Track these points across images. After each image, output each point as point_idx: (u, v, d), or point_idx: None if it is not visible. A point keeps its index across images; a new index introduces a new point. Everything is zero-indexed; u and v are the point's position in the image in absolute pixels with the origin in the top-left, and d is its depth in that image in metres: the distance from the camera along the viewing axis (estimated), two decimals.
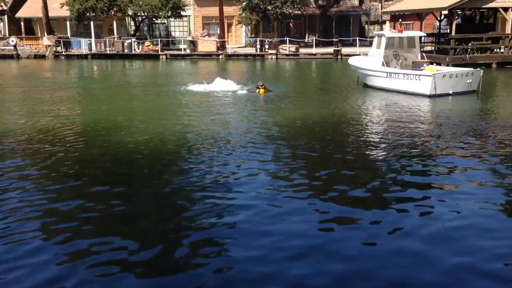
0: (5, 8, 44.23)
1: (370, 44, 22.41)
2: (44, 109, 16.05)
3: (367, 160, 9.85)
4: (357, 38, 41.71)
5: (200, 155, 10.09)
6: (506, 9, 28.53)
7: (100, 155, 10.22)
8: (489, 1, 28.02)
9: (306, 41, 46.97)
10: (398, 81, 19.31)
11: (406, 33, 21.38)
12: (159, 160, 9.90)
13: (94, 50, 40.27)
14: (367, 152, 10.42)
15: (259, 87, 19.23)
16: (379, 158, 10.02)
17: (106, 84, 24.22)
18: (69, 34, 43.67)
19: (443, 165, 9.42)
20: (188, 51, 40.38)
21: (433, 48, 32.53)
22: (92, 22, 42.40)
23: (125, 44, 39.77)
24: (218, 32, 42.85)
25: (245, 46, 46.55)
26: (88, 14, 40.55)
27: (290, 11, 42.88)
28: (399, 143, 11.04)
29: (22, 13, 45.37)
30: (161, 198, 7.70)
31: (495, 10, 30.08)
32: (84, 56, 39.57)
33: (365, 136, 11.90)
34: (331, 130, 12.69)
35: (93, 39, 41.70)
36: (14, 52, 39.71)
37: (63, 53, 40.14)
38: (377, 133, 12.39)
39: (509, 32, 28.72)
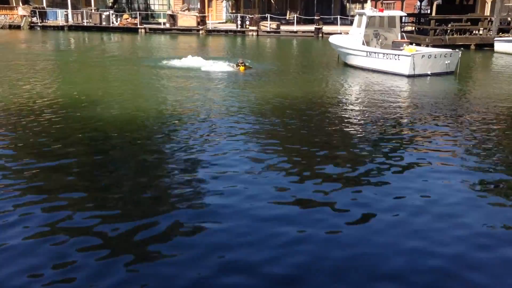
0: None
1: (351, 23, 22.39)
2: (19, 82, 15.66)
3: (345, 140, 9.92)
4: (338, 17, 41.59)
5: (177, 131, 10.03)
6: None
7: (77, 129, 10.06)
8: None
9: (287, 18, 46.64)
10: (378, 61, 19.39)
11: (387, 13, 21.38)
12: (137, 135, 9.79)
13: (70, 21, 39.32)
14: (345, 131, 10.49)
15: (239, 64, 19.08)
16: (357, 137, 10.09)
17: (83, 57, 23.72)
18: (45, 5, 42.42)
19: (420, 145, 9.56)
20: (167, 26, 39.76)
21: (413, 28, 32.66)
22: None
23: (103, 16, 38.94)
24: (199, 6, 42.27)
25: (226, 22, 46.05)
26: None
27: None
28: (377, 123, 11.14)
29: None
30: (139, 171, 7.65)
31: None
32: (60, 28, 38.63)
33: (343, 116, 11.96)
34: (310, 109, 12.71)
35: (69, 10, 40.65)
36: None
37: (39, 24, 39.11)
38: (355, 113, 12.47)
39: (488, 14, 28.99)
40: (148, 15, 44.85)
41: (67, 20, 39.09)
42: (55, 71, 18.73)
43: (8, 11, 40.62)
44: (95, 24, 38.78)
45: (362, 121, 11.37)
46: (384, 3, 45.61)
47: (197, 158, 8.27)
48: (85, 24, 38.88)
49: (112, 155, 8.51)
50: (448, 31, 28.26)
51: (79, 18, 39.27)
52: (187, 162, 8.10)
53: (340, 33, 26.08)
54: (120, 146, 9.06)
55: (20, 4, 40.49)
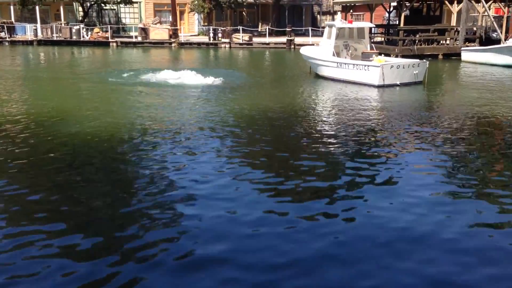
0: None
1: (322, 34, 22.68)
2: None
3: (317, 151, 9.99)
4: (310, 28, 42.09)
5: (151, 147, 9.94)
6: (451, 2, 29.49)
7: (48, 147, 9.88)
8: None
9: (259, 30, 46.97)
10: (348, 71, 19.66)
11: (356, 24, 21.74)
12: (109, 149, 9.67)
13: (40, 36, 38.77)
14: (318, 144, 10.56)
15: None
16: (329, 149, 10.18)
17: (53, 72, 23.37)
18: (13, 19, 41.75)
19: (389, 154, 9.70)
20: (139, 39, 39.57)
21: (383, 39, 33.26)
22: (37, 7, 40.66)
23: (73, 30, 38.52)
24: (170, 19, 42.16)
25: (198, 35, 46.05)
26: None
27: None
28: (348, 133, 11.27)
29: None
30: (114, 187, 7.54)
31: (441, 2, 31.03)
32: (29, 42, 38.04)
33: (315, 127, 12.06)
34: (283, 121, 12.76)
35: (38, 25, 40.08)
36: None
37: (7, 39, 38.41)
38: (327, 124, 12.59)
39: (454, 24, 29.75)
40: (119, 29, 44.55)
41: (36, 35, 38.54)
42: (25, 88, 18.36)
43: None
44: (65, 38, 38.32)
45: (333, 132, 11.48)
46: (353, 14, 46.34)
47: (171, 176, 8.20)
48: (55, 38, 38.39)
49: (83, 172, 8.37)
50: (416, 41, 28.88)
51: (49, 32, 38.76)
52: (162, 180, 8.01)
53: (312, 45, 26.38)
54: (92, 163, 8.92)
55: None
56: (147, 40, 39.32)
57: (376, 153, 9.76)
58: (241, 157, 9.26)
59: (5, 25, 39.07)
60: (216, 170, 8.44)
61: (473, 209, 6.98)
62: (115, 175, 8.28)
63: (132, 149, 9.83)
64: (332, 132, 11.46)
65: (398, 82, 18.64)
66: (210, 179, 7.97)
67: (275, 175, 8.33)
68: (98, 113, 13.31)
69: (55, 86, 18.61)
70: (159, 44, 38.95)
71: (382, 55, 20.88)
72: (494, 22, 29.46)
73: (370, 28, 24.46)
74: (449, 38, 29.57)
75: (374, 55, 19.91)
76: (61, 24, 39.42)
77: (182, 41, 39.70)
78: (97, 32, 39.61)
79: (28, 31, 39.72)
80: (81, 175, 8.23)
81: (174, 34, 39.61)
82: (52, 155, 9.32)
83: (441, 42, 29.64)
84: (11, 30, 39.53)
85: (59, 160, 9.03)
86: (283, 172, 8.53)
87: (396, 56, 26.89)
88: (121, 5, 43.44)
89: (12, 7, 41.62)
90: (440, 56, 28.87)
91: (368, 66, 18.88)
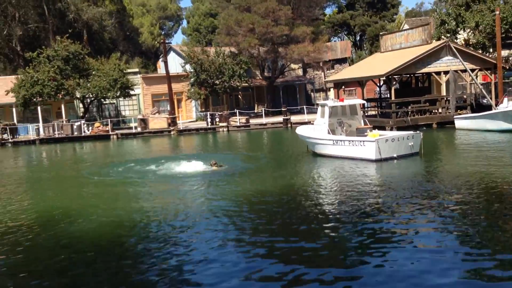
0: None
1: (317, 112, 23.32)
2: None
3: (324, 230, 9.93)
4: (305, 106, 43.17)
5: (157, 239, 9.90)
6: (438, 73, 30.52)
7: (55, 245, 9.84)
8: (422, 67, 29.98)
9: (255, 111, 48.20)
10: (345, 148, 19.94)
11: (347, 102, 22.35)
12: (115, 246, 9.62)
13: (42, 135, 39.68)
14: (322, 223, 10.52)
15: (212, 165, 19.32)
16: (334, 229, 10.12)
17: (55, 171, 23.65)
18: (15, 121, 42.92)
19: (393, 226, 9.65)
20: (139, 129, 40.46)
21: (376, 112, 34.02)
22: (39, 107, 42.00)
23: (74, 126, 39.47)
24: (168, 108, 43.35)
25: (196, 120, 47.18)
26: (34, 99, 40.25)
27: (238, 84, 44.22)
28: (351, 211, 11.25)
29: None
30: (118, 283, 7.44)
31: (429, 74, 32.10)
32: (32, 142, 38.81)
33: (319, 209, 12.04)
34: (286, 204, 12.76)
35: (40, 124, 41.16)
36: None
37: (10, 140, 39.26)
38: (329, 204, 12.58)
39: (444, 94, 30.57)
40: (119, 121, 45.69)
41: (38, 134, 39.44)
42: (27, 190, 18.44)
43: None
44: (66, 135, 39.19)
45: (336, 211, 11.46)
46: (346, 90, 47.83)
47: (178, 267, 8.13)
48: (56, 136, 39.26)
49: (91, 270, 8.28)
50: (409, 112, 29.54)
51: (51, 130, 39.68)
52: (171, 272, 7.93)
53: (308, 122, 26.91)
54: (99, 260, 8.84)
55: None
56: (147, 130, 40.20)
57: (383, 231, 9.68)
58: (247, 246, 9.19)
59: (7, 127, 40.05)
60: (227, 263, 8.36)
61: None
62: (122, 275, 8.18)
63: (138, 245, 9.77)
64: (336, 212, 11.43)
65: (395, 155, 18.84)
66: (219, 272, 7.87)
67: (283, 263, 8.23)
68: (101, 210, 13.33)
69: (57, 186, 18.74)
70: (158, 133, 39.79)
71: (376, 129, 21.26)
72: (483, 89, 30.30)
73: (362, 104, 25.11)
74: (441, 107, 30.26)
75: (368, 130, 20.27)
76: (62, 121, 40.46)
77: (181, 128, 40.58)
78: (97, 127, 40.58)
79: (30, 131, 40.70)
80: (86, 276, 8.13)
81: (173, 122, 40.56)
82: (57, 257, 9.26)
83: (434, 111, 30.29)
84: (14, 131, 40.49)
85: (64, 260, 8.96)
86: (290, 259, 8.43)
87: (391, 129, 27.39)
88: (120, 99, 44.84)
89: (14, 109, 42.92)
90: (434, 125, 29.39)
91: (364, 141, 19.17)
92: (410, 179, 14.88)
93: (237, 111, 41.90)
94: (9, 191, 17.62)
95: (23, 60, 51.07)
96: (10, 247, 10.31)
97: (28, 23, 54.01)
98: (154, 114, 42.83)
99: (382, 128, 25.80)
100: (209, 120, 41.46)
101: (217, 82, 43.38)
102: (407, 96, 30.94)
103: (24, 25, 53.39)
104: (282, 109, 40.33)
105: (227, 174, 17.99)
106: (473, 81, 31.45)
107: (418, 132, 19.93)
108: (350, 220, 10.64)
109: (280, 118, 40.33)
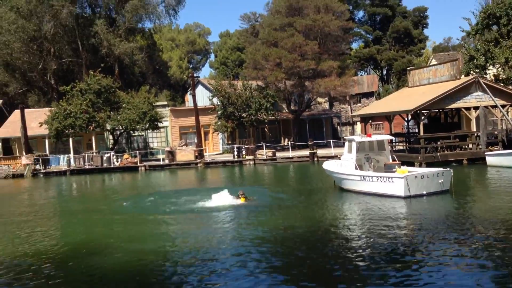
0: None
1: (344, 145, 23.25)
2: (21, 235, 15.74)
3: (357, 269, 9.79)
4: (331, 140, 43.01)
5: (186, 273, 9.92)
6: (468, 109, 30.17)
7: (84, 278, 9.95)
8: (451, 102, 29.71)
9: (282, 144, 48.31)
10: (373, 184, 19.73)
11: (375, 137, 22.22)
12: (145, 277, 9.67)
13: (73, 165, 40.52)
14: (352, 262, 10.38)
15: (240, 196, 19.35)
16: (364, 267, 9.97)
17: (84, 203, 23.99)
18: (47, 152, 44.03)
19: (427, 266, 9.44)
20: (166, 161, 40.92)
21: (404, 147, 33.69)
22: (70, 139, 43.09)
23: (104, 158, 40.22)
24: (196, 141, 43.83)
25: (223, 153, 47.49)
26: (66, 131, 41.34)
27: (264, 117, 44.58)
28: (382, 250, 11.09)
29: (0, 133, 45.95)
30: None
31: (458, 109, 31.78)
32: (63, 173, 39.65)
33: (348, 245, 11.91)
34: (314, 241, 12.66)
35: (71, 155, 42.10)
36: None
37: (42, 170, 40.19)
38: (360, 242, 12.41)
39: (474, 130, 30.12)
40: (147, 153, 46.37)
41: (69, 165, 40.31)
42: (58, 222, 18.81)
43: (11, 161, 42.04)
44: (96, 166, 39.93)
45: (368, 250, 11.29)
46: (373, 124, 47.60)
47: None
48: (87, 167, 40.03)
49: None
50: (439, 148, 29.15)
51: (81, 161, 40.51)
52: None
53: (335, 156, 26.78)
54: None
55: (24, 153, 42.01)
56: (174, 162, 40.62)
57: (417, 271, 9.50)
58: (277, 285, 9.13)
59: (40, 158, 41.09)
60: None
61: None
62: None
63: (168, 280, 9.80)
64: (368, 251, 11.27)
65: (424, 192, 18.53)
66: None
67: None
68: (130, 243, 13.46)
69: (86, 218, 18.93)
70: (185, 165, 40.14)
71: (405, 165, 21.02)
72: None
73: (390, 140, 24.95)
74: (471, 144, 29.78)
75: (397, 166, 20.04)
76: (92, 153, 41.30)
77: (208, 161, 40.88)
78: (126, 158, 41.25)
79: (61, 162, 41.64)
80: None
81: (200, 154, 40.93)
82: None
83: (464, 147, 29.83)
84: (46, 162, 41.49)
85: None
86: None
87: (420, 164, 27.05)
88: (149, 131, 45.63)
89: (47, 141, 44.13)
90: (465, 161, 28.86)
91: (392, 177, 18.95)
92: (441, 217, 14.60)
93: (264, 144, 42.06)
94: (41, 223, 17.95)
95: (57, 93, 52.72)
96: (41, 279, 10.46)
97: (63, 58, 56.00)
98: (182, 146, 43.36)
99: (410, 163, 25.49)
100: (235, 153, 41.69)
101: (244, 115, 43.86)
102: (436, 132, 30.60)
103: (58, 59, 55.37)
104: (309, 142, 40.28)
105: (255, 208, 17.98)
106: (504, 117, 30.97)
107: (448, 169, 19.58)
108: (383, 259, 10.45)
109: (306, 152, 40.27)
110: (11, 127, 45.80)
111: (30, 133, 43.29)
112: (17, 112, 46.23)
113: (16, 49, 50.95)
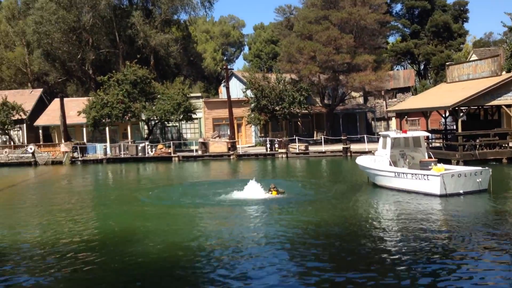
0: (24, 117, 46.27)
1: (378, 140, 22.88)
2: (58, 219, 16.25)
3: (392, 268, 9.71)
4: (365, 136, 42.44)
5: (217, 265, 10.05)
6: (509, 106, 29.25)
7: (118, 266, 10.21)
8: (491, 99, 28.83)
9: (314, 138, 48.05)
10: (407, 181, 19.41)
11: (410, 133, 21.82)
12: (178, 268, 9.84)
13: (109, 154, 41.41)
14: (388, 260, 10.29)
15: (271, 189, 19.37)
16: (401, 266, 9.87)
17: (120, 190, 24.58)
18: (85, 140, 45.17)
19: (464, 269, 9.27)
20: (199, 153, 41.32)
21: (441, 144, 32.98)
22: (107, 128, 44.04)
23: (139, 147, 40.93)
24: (229, 133, 44.08)
25: (255, 146, 47.62)
26: (103, 120, 42.26)
27: (298, 110, 44.41)
28: (419, 249, 10.95)
29: (41, 121, 47.37)
30: None
31: (499, 106, 30.86)
32: (99, 161, 40.61)
33: (383, 244, 11.78)
34: (346, 237, 12.60)
35: (108, 144, 43.03)
36: (32, 159, 40.95)
37: (79, 158, 41.26)
38: (395, 239, 12.27)
39: None
40: (181, 144, 46.91)
41: (105, 153, 41.21)
42: (92, 206, 19.38)
43: (51, 148, 43.30)
44: (131, 155, 40.68)
45: (403, 248, 11.16)
46: (408, 120, 46.73)
47: None
48: (122, 156, 40.83)
49: None
50: (477, 146, 28.40)
51: (117, 150, 41.35)
52: None
53: (369, 152, 26.47)
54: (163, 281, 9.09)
55: (63, 141, 43.21)
56: (207, 153, 40.98)
57: (453, 272, 9.34)
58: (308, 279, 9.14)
59: (78, 145, 42.17)
60: None
61: None
62: None
63: (199, 271, 9.95)
64: (403, 249, 11.15)
65: (461, 191, 18.11)
66: None
67: None
68: (163, 233, 13.70)
69: (122, 206, 19.35)
70: (218, 156, 40.45)
71: (441, 163, 20.57)
72: None
73: (427, 136, 24.46)
74: (511, 142, 28.90)
75: (432, 164, 19.64)
76: (128, 142, 42.09)
77: (240, 153, 41.06)
78: (160, 148, 41.86)
79: (98, 150, 42.63)
80: None
81: (233, 146, 41.14)
82: (122, 278, 9.59)
83: (504, 145, 28.99)
84: (83, 150, 42.56)
85: (129, 282, 9.26)
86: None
87: (457, 162, 26.45)
88: (182, 122, 46.13)
89: (84, 129, 45.27)
90: (505, 160, 28.04)
91: (428, 175, 18.60)
92: (479, 217, 14.28)
93: (296, 137, 41.92)
94: (78, 210, 18.46)
95: (94, 83, 53.88)
96: (77, 266, 10.77)
97: (100, 48, 57.12)
98: (215, 138, 43.68)
99: (447, 161, 24.95)
100: (268, 146, 41.72)
101: (277, 108, 43.80)
102: (475, 129, 29.80)
103: (96, 50, 56.50)
104: (342, 137, 39.88)
105: (287, 202, 17.99)
106: None
107: (487, 168, 19.06)
108: (418, 259, 10.31)
109: (339, 147, 39.93)
110: (51, 115, 47.14)
111: (68, 121, 44.47)
112: (56, 101, 47.57)
113: (56, 39, 52.32)
